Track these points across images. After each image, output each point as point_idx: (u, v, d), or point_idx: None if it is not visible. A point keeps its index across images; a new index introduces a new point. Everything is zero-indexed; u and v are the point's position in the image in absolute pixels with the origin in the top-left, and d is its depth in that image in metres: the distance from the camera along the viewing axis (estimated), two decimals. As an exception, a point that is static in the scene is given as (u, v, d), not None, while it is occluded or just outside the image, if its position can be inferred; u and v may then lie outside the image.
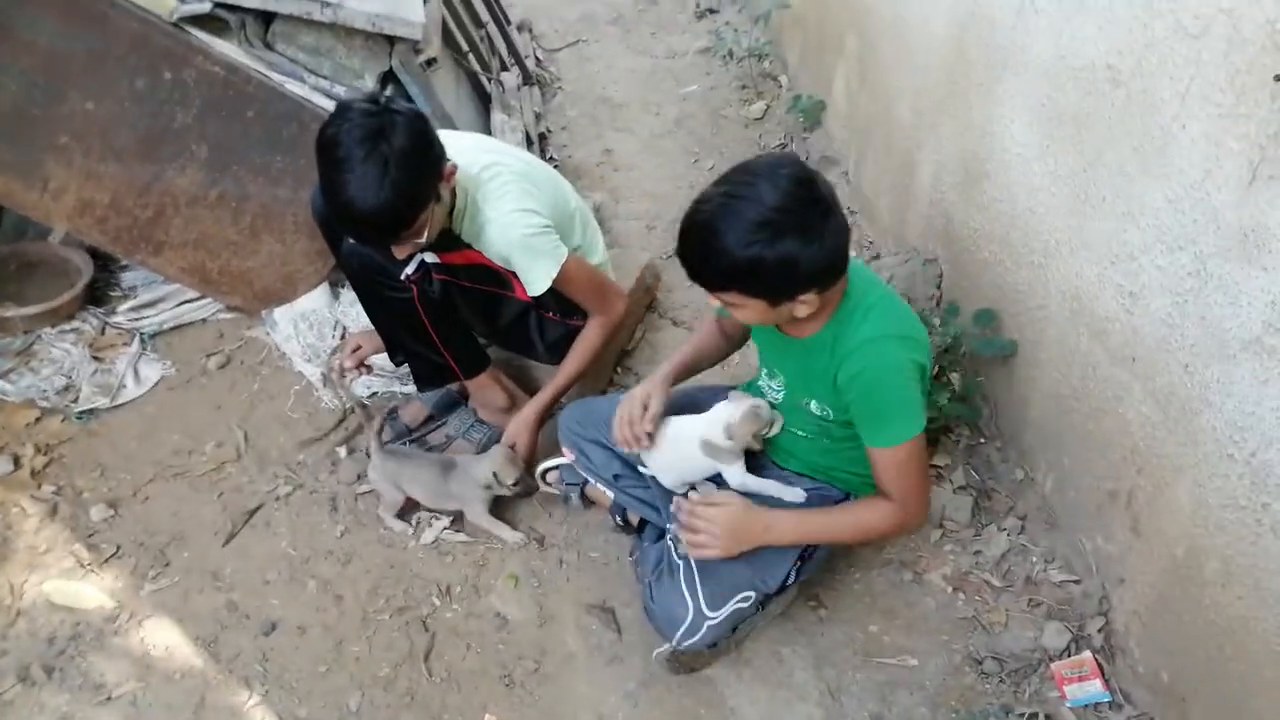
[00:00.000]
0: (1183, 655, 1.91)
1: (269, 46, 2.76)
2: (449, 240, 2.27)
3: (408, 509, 2.46)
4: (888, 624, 2.20)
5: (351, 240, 2.22)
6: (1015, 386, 2.47)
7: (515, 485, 2.34)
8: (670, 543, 2.06)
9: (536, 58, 4.30)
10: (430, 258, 2.22)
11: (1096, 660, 2.07)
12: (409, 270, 2.20)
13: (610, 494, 2.32)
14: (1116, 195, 1.99)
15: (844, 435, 1.96)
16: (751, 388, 2.23)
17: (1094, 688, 2.04)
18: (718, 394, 2.25)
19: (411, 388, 2.84)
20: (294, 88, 2.72)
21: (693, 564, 1.97)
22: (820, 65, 3.85)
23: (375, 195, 1.88)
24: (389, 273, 2.20)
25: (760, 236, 1.58)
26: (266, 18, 2.76)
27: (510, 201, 2.17)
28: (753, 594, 1.96)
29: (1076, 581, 2.21)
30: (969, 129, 2.60)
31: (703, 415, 2.05)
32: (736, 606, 1.94)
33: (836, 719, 2.04)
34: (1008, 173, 2.41)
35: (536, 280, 2.23)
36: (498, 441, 2.58)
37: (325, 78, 2.80)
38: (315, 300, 3.03)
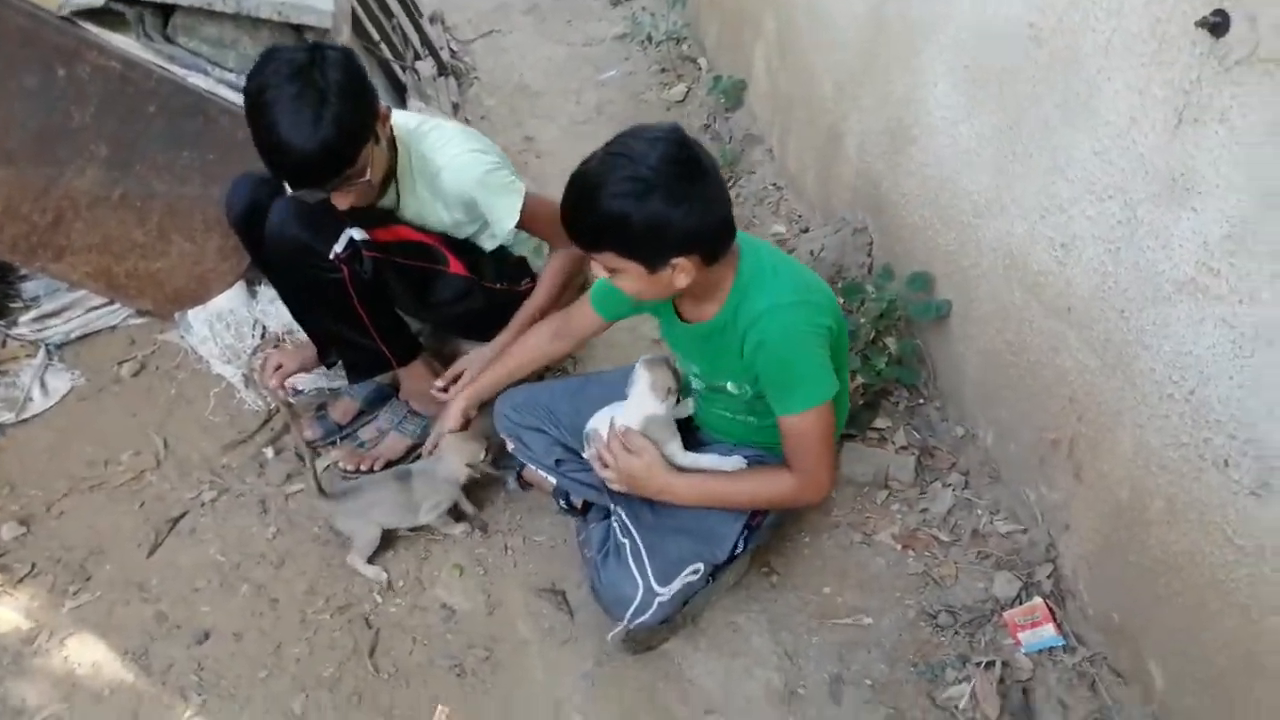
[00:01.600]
0: (1131, 595, 1.93)
1: (169, 40, 2.65)
2: (379, 215, 2.20)
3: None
4: (840, 585, 2.20)
5: (289, 194, 2.12)
6: (951, 346, 2.48)
7: (487, 457, 2.28)
8: (615, 522, 2.02)
9: (450, 49, 4.23)
10: (359, 234, 2.14)
11: (1048, 606, 2.09)
12: (338, 248, 2.11)
13: (552, 479, 2.27)
14: (1043, 150, 2.01)
15: (767, 409, 1.95)
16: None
17: (1047, 632, 2.05)
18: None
19: (339, 383, 2.75)
20: (198, 81, 2.61)
21: (638, 540, 1.93)
22: (739, 46, 3.86)
23: (313, 130, 1.82)
24: (317, 252, 2.11)
25: (628, 190, 1.57)
26: (166, 10, 2.65)
27: (457, 144, 2.14)
28: (701, 566, 1.93)
29: (1023, 531, 2.23)
30: (892, 97, 2.62)
31: (629, 398, 2.03)
32: (686, 580, 1.91)
33: (795, 682, 2.02)
34: (934, 137, 2.43)
35: (504, 216, 2.19)
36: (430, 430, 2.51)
37: (230, 70, 2.69)
38: (231, 299, 2.90)
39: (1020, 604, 2.12)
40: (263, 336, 2.87)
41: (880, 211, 2.80)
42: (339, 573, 2.25)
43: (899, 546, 2.26)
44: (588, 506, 2.28)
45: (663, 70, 4.25)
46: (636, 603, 1.87)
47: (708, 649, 2.08)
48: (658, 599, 1.87)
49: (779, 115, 3.53)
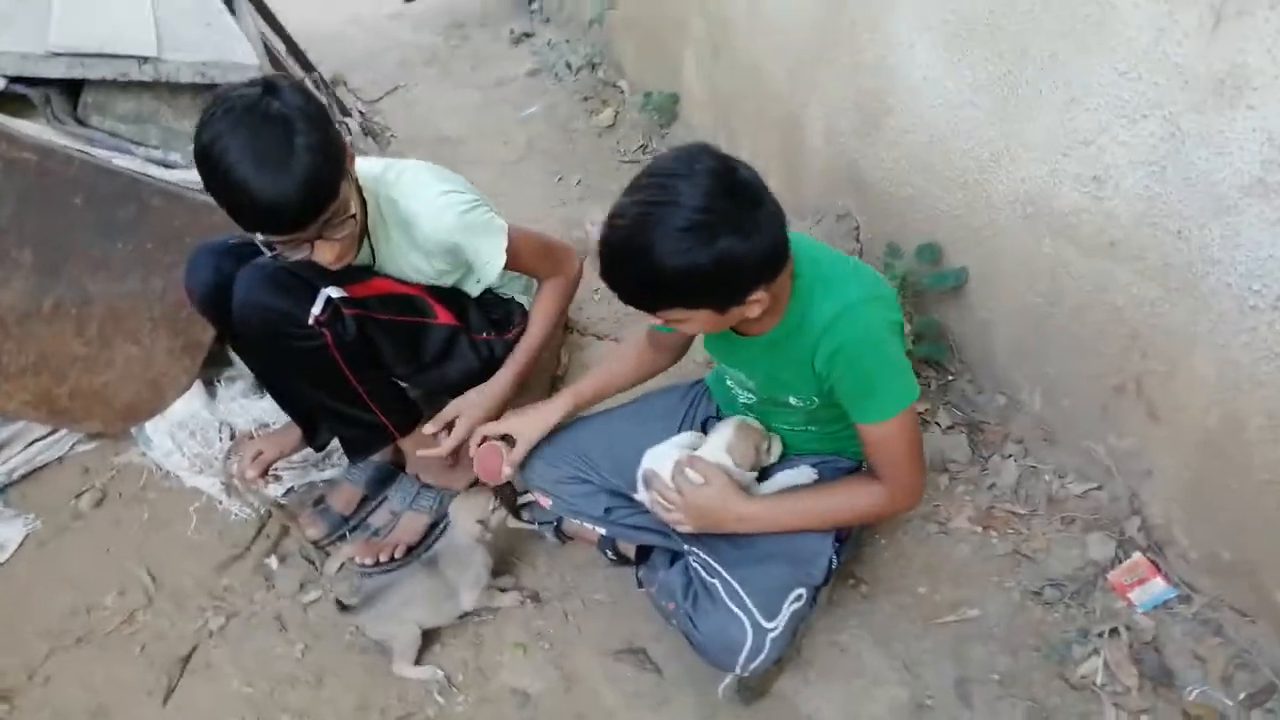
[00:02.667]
0: (1239, 526, 1.84)
1: (81, 123, 2.39)
2: (353, 271, 1.99)
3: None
4: (933, 582, 2.05)
5: (253, 264, 1.90)
6: (973, 313, 2.38)
7: (497, 511, 2.07)
8: (694, 564, 1.83)
9: (359, 110, 4.01)
10: (336, 292, 1.92)
11: (1149, 560, 1.98)
12: (315, 310, 1.89)
13: (601, 530, 2.07)
14: (1054, 86, 1.94)
15: (831, 416, 1.81)
16: (721, 381, 2.05)
17: (1157, 587, 1.95)
18: (674, 408, 2.07)
19: (330, 473, 2.51)
20: (124, 162, 2.35)
21: (728, 578, 1.75)
22: (663, 58, 3.75)
23: (287, 163, 1.62)
24: (293, 319, 1.88)
25: (692, 243, 1.39)
26: (73, 89, 2.38)
27: (430, 188, 1.95)
28: (802, 590, 1.75)
29: (1098, 488, 2.13)
30: (860, 70, 2.53)
31: (707, 444, 1.86)
32: (792, 609, 1.72)
33: (920, 694, 1.86)
34: (916, 100, 2.34)
35: (491, 259, 2.00)
36: (449, 501, 2.29)
37: (155, 147, 2.45)
38: (190, 404, 2.62)
39: (1120, 563, 2.00)
40: (232, 438, 2.60)
41: (861, 192, 2.70)
42: (389, 680, 2.00)
43: (979, 529, 2.14)
44: (641, 553, 2.09)
45: (585, 99, 4.12)
46: (748, 646, 1.67)
47: (819, 679, 1.90)
48: (769, 636, 1.68)
49: (722, 119, 3.43)
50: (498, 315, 2.24)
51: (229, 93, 1.69)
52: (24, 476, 2.55)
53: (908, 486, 1.72)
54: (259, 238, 1.94)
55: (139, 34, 2.32)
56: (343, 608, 2.00)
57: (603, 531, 2.07)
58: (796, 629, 1.77)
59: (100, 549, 2.37)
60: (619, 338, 2.81)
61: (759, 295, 1.48)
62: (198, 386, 2.64)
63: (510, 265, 2.07)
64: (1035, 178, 2.04)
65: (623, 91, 4.09)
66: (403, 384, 2.23)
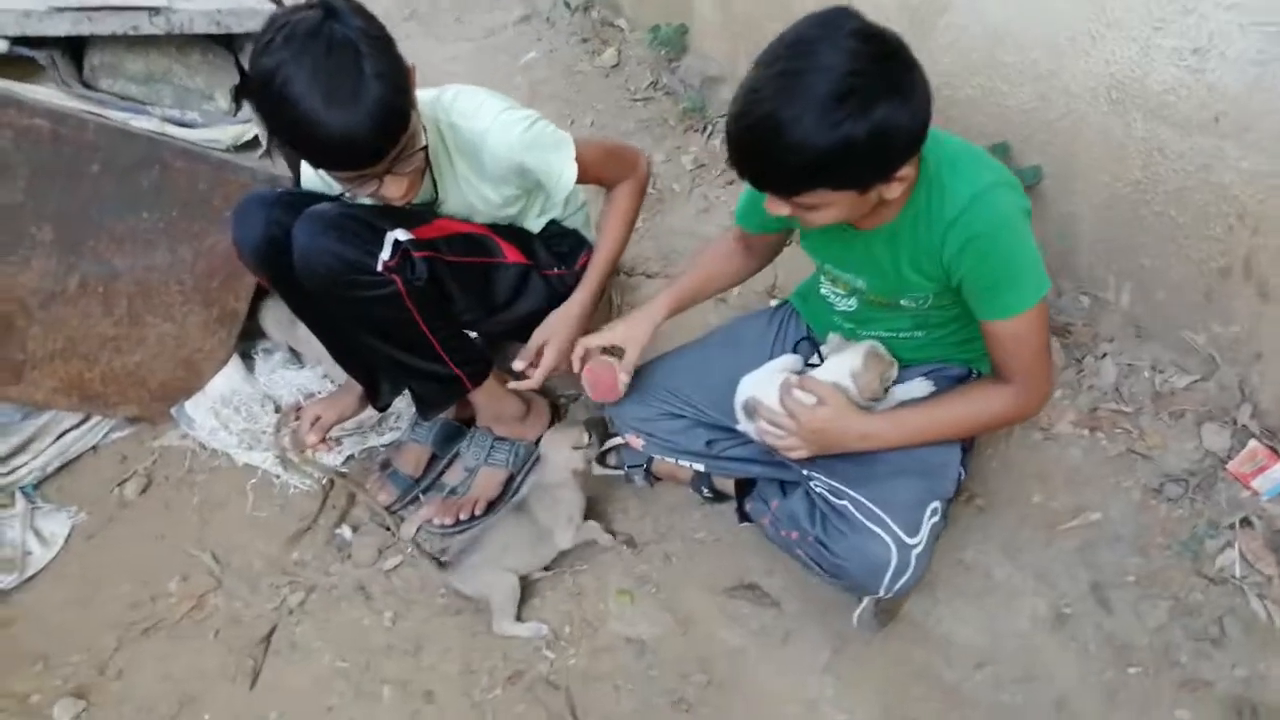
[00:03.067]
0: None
1: (89, 87, 2.21)
2: (416, 213, 1.86)
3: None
4: (1048, 489, 1.98)
5: (312, 211, 1.77)
6: (1051, 213, 2.28)
7: (591, 439, 1.98)
8: (817, 488, 1.72)
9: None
10: (403, 235, 1.79)
11: (1267, 446, 1.92)
12: (384, 256, 1.76)
13: (698, 467, 1.97)
14: (1144, -44, 1.83)
15: (941, 320, 1.71)
16: (809, 297, 1.95)
17: (1278, 473, 1.88)
18: (761, 334, 1.97)
19: (390, 436, 2.38)
20: (142, 124, 2.18)
21: (861, 498, 1.64)
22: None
23: (359, 93, 1.50)
24: (364, 267, 1.75)
25: (847, 111, 1.25)
26: (77, 52, 2.20)
27: (491, 105, 1.82)
28: (937, 503, 1.65)
29: (1203, 379, 2.06)
30: (908, -35, 2.41)
31: (825, 367, 1.75)
32: (931, 523, 1.62)
33: (1058, 603, 1.79)
34: (975, -6, 2.23)
35: (563, 171, 1.87)
36: (525, 455, 2.18)
37: (170, 108, 2.27)
38: (230, 379, 2.47)
39: (1237, 453, 1.94)
40: (277, 410, 2.46)
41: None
42: (491, 640, 1.90)
43: (1085, 431, 2.06)
44: (740, 487, 1.99)
45: (584, 40, 3.95)
46: (894, 564, 1.57)
47: (950, 598, 1.82)
48: (914, 552, 1.58)
49: (743, 43, 3.28)
50: (563, 249, 2.12)
51: (287, 17, 1.54)
52: (59, 469, 2.40)
53: (1039, 387, 1.62)
54: (322, 176, 1.80)
55: (146, -20, 2.14)
56: (437, 562, 1.89)
57: (701, 468, 1.97)
58: (936, 541, 1.69)
59: (154, 535, 2.24)
60: (670, 275, 2.69)
61: (906, 171, 1.37)
62: (234, 361, 2.50)
63: (580, 177, 1.94)
64: (1124, 58, 1.94)
65: (622, 30, 3.93)
66: (472, 332, 2.10)
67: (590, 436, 1.96)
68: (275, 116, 1.56)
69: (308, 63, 1.49)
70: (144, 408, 2.44)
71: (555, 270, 2.09)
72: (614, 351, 1.88)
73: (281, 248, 1.83)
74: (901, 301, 1.68)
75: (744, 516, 1.99)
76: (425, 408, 2.09)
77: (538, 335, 2.00)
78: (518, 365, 1.98)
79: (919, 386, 1.77)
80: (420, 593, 2.02)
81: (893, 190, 1.41)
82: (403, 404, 2.38)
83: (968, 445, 1.76)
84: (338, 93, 1.50)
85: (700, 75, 3.47)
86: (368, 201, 1.81)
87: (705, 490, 2.06)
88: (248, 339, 2.55)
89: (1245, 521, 1.82)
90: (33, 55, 2.10)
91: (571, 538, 1.96)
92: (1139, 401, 2.07)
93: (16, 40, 2.06)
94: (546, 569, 2.00)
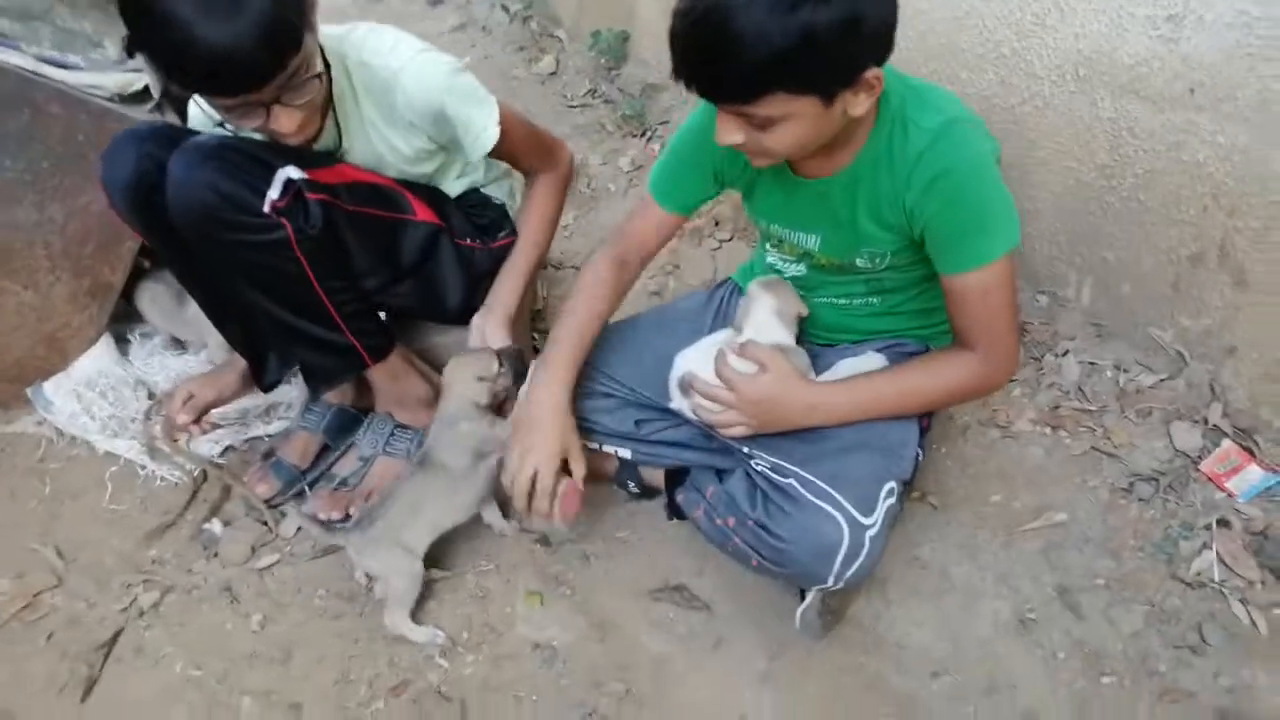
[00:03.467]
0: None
1: (-46, 16, 1.96)
2: (314, 157, 1.64)
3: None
4: (1009, 489, 1.79)
5: (194, 141, 1.54)
6: (1005, 207, 2.15)
7: (502, 369, 1.69)
8: (759, 468, 1.50)
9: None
10: (297, 173, 1.56)
11: (1240, 446, 1.76)
12: (273, 194, 1.53)
13: (624, 454, 1.74)
14: (1114, -84, 1.73)
15: (898, 283, 1.55)
16: (754, 270, 1.77)
17: (1254, 475, 1.72)
18: (699, 310, 1.79)
19: (277, 426, 2.11)
20: (13, 60, 1.93)
21: (808, 475, 1.43)
22: (609, -4, 3.48)
23: (240, 3, 1.29)
24: (246, 206, 1.51)
25: None
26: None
27: (410, 44, 1.62)
28: (894, 484, 1.44)
29: (1171, 377, 1.90)
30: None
31: (745, 329, 1.58)
32: (886, 504, 1.41)
33: (1021, 607, 1.58)
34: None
35: (485, 126, 1.67)
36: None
37: (49, 50, 2.03)
38: (97, 361, 2.18)
39: (1210, 453, 1.78)
40: (150, 398, 2.17)
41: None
42: (374, 647, 1.63)
43: (1047, 429, 1.89)
44: (671, 481, 1.76)
45: (521, 48, 3.80)
46: (845, 546, 1.35)
47: (903, 599, 1.61)
48: (868, 533, 1.36)
49: (684, 50, 3.16)
50: (483, 220, 1.91)
51: None
52: (-117, 456, 2.08)
53: (1006, 354, 1.44)
54: (206, 111, 1.57)
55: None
56: (327, 526, 1.63)
57: (628, 455, 1.74)
58: (891, 527, 1.48)
59: (-11, 530, 1.93)
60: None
61: (874, 74, 1.19)
62: (106, 340, 2.21)
63: (500, 150, 1.75)
64: (1093, 33, 1.82)
65: (561, 40, 3.80)
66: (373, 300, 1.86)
67: (501, 366, 1.69)
68: (144, 26, 1.34)
69: None
70: (-5, 389, 2.14)
71: (470, 241, 1.87)
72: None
73: (155, 186, 1.58)
74: (857, 261, 1.50)
75: (674, 512, 1.76)
76: (315, 382, 1.84)
77: (473, 338, 1.78)
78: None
79: (870, 360, 1.59)
80: (296, 595, 1.75)
81: (859, 104, 1.23)
82: (295, 393, 2.13)
83: (925, 425, 1.57)
84: (217, 2, 1.29)
85: (641, 83, 3.33)
86: (257, 137, 1.58)
87: (631, 485, 1.83)
88: (123, 321, 2.28)
89: (1222, 522, 1.65)
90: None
91: (486, 480, 1.69)
92: (1103, 400, 1.91)
93: None
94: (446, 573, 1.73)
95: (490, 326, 1.77)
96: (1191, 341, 1.88)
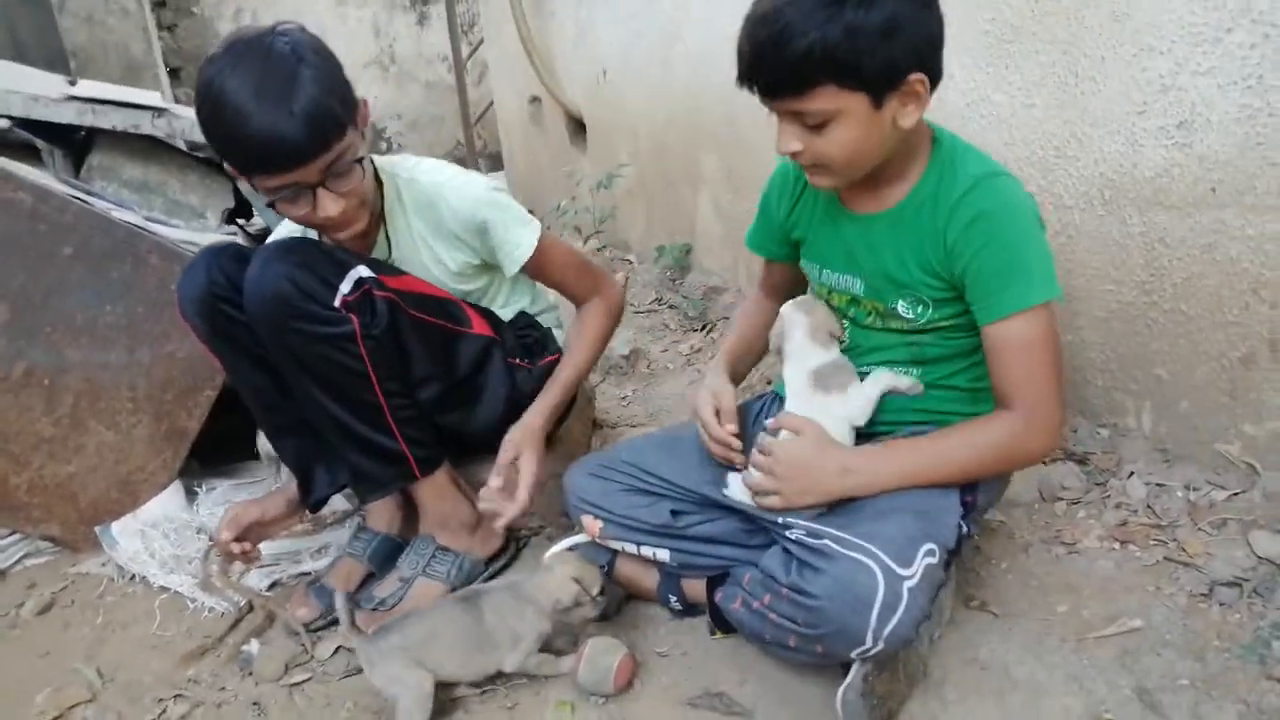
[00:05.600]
0: None
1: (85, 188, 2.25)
2: (382, 265, 1.78)
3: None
4: (1076, 599, 1.66)
5: (270, 242, 1.69)
6: (1054, 342, 2.15)
7: (599, 598, 1.66)
8: (796, 537, 1.45)
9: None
10: (367, 271, 1.69)
11: (1331, 553, 1.62)
12: (345, 289, 1.65)
13: (663, 555, 1.70)
14: (1119, 44, 1.84)
15: (940, 353, 1.57)
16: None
17: (1351, 580, 1.57)
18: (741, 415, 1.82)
19: (324, 561, 2.12)
20: (126, 216, 2.19)
21: (846, 535, 1.38)
22: (674, 212, 3.76)
23: (289, 89, 1.49)
24: (319, 298, 1.64)
25: (852, 5, 1.27)
26: (80, 154, 2.27)
27: (453, 168, 1.80)
28: (934, 545, 1.38)
29: (1243, 491, 1.80)
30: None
31: (786, 355, 1.62)
32: (926, 563, 1.34)
33: (1095, 706, 1.42)
34: (963, 128, 2.22)
35: (520, 242, 1.80)
36: (471, 571, 1.92)
37: (160, 218, 2.30)
38: (165, 505, 2.27)
39: (1297, 560, 1.64)
40: (210, 541, 2.22)
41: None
42: (396, 754, 1.54)
43: (1116, 544, 1.77)
44: (710, 590, 1.70)
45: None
46: (882, 593, 1.27)
47: (961, 698, 1.46)
48: (905, 584, 1.29)
49: (743, 252, 3.33)
50: (529, 340, 2.00)
51: (237, 33, 1.59)
52: (-46, 592, 2.15)
53: (1047, 414, 1.43)
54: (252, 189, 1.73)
55: (153, 91, 2.26)
56: (355, 627, 1.59)
57: (665, 557, 1.69)
58: (934, 597, 1.39)
59: (37, 653, 1.95)
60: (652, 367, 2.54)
61: (918, 79, 1.33)
62: (175, 487, 2.31)
63: (542, 274, 1.89)
64: (1112, 153, 1.90)
65: (631, 262, 4.07)
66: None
67: (601, 594, 1.67)
68: (205, 114, 1.55)
69: (244, 65, 1.51)
70: (68, 529, 2.24)
71: (519, 360, 1.96)
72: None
73: (222, 298, 1.75)
74: (898, 307, 1.54)
75: (718, 624, 1.68)
76: (363, 490, 1.88)
77: (505, 451, 1.82)
78: (494, 484, 1.76)
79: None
80: (324, 709, 1.68)
81: (907, 115, 1.36)
82: (346, 534, 2.15)
83: (969, 500, 1.51)
84: (268, 89, 1.50)
85: (702, 287, 3.51)
86: (313, 236, 1.75)
87: (673, 600, 1.76)
88: (191, 474, 2.38)
89: (1321, 623, 1.49)
90: (33, 140, 2.15)
91: (517, 662, 1.64)
92: (1174, 516, 1.80)
93: (21, 123, 2.13)
94: (476, 687, 1.66)
95: (519, 436, 1.81)
96: (1260, 450, 1.79)
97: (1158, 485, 1.89)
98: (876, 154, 1.43)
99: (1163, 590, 1.64)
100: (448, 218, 1.79)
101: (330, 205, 1.62)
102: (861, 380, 1.58)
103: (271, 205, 1.64)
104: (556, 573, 1.65)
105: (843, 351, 1.63)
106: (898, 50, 1.31)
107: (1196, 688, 1.43)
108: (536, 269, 1.88)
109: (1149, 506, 1.84)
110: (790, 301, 1.67)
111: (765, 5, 1.34)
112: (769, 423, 1.56)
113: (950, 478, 1.46)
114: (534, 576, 1.67)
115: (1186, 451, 1.92)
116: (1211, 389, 1.84)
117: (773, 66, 1.33)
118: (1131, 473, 1.92)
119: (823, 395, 1.55)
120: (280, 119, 1.49)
